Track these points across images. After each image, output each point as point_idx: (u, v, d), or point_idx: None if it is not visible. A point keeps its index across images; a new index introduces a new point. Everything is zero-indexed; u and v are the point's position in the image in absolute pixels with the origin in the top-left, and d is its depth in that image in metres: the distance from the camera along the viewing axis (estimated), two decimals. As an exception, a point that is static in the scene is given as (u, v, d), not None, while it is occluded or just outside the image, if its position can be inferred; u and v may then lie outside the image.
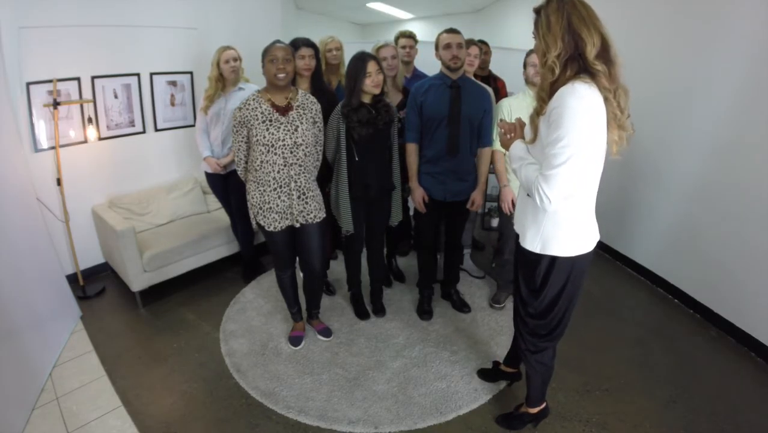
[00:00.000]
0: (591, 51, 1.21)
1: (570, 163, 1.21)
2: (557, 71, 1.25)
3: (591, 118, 1.21)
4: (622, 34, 3.37)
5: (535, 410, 1.84)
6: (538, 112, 1.33)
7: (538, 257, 1.43)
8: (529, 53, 2.25)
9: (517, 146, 1.44)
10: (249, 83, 2.77)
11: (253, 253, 3.13)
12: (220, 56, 2.64)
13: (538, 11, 1.28)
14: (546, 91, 1.29)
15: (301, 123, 1.99)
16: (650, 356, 2.35)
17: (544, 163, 1.26)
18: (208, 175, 2.88)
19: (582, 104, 1.20)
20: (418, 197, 2.34)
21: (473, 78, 2.49)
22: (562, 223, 1.37)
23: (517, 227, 1.53)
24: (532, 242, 1.43)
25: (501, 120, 1.58)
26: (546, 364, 1.69)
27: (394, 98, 2.52)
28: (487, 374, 2.16)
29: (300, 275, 2.40)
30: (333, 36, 2.74)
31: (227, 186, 2.84)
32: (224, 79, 2.67)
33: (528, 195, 1.40)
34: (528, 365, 1.71)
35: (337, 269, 3.07)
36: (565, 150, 1.20)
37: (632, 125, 1.31)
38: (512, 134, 1.50)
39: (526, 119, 1.52)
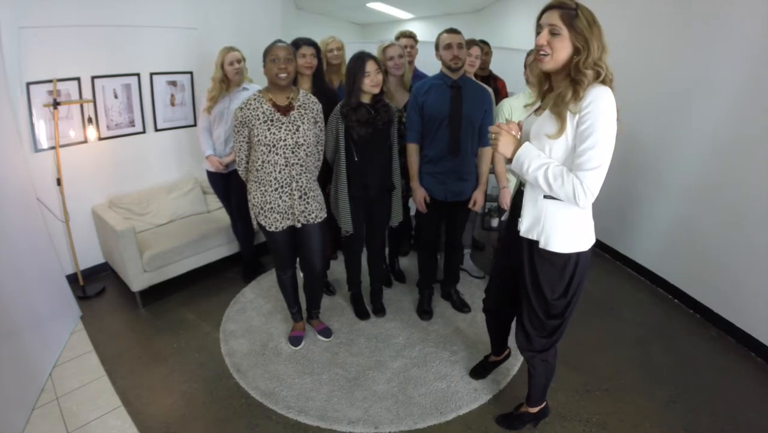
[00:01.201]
0: (606, 59, 1.27)
1: (608, 160, 1.27)
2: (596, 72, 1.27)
3: (615, 119, 1.27)
4: (623, 34, 3.40)
5: (535, 410, 1.84)
6: (567, 105, 1.28)
7: (566, 258, 1.41)
8: (530, 53, 2.24)
9: (531, 149, 1.34)
10: (253, 84, 2.78)
11: (254, 253, 3.13)
12: (223, 58, 2.64)
13: (574, 8, 1.26)
14: (583, 87, 1.26)
15: (303, 123, 1.99)
16: (650, 356, 2.35)
17: (583, 161, 1.25)
18: (210, 174, 2.88)
19: (613, 107, 1.25)
20: (419, 198, 2.34)
21: (474, 78, 2.50)
22: (584, 217, 1.40)
23: (530, 234, 1.44)
24: (563, 244, 1.39)
25: (499, 124, 1.45)
26: (550, 362, 1.69)
27: (402, 98, 2.52)
28: (479, 372, 2.16)
29: (300, 275, 2.40)
30: (334, 36, 2.74)
31: (228, 185, 2.84)
32: (228, 80, 2.68)
33: (548, 197, 1.37)
34: (531, 366, 1.70)
35: (337, 269, 3.07)
36: (605, 149, 1.24)
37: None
38: (517, 134, 1.41)
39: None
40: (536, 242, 1.42)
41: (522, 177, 1.42)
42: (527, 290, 1.51)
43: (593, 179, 1.25)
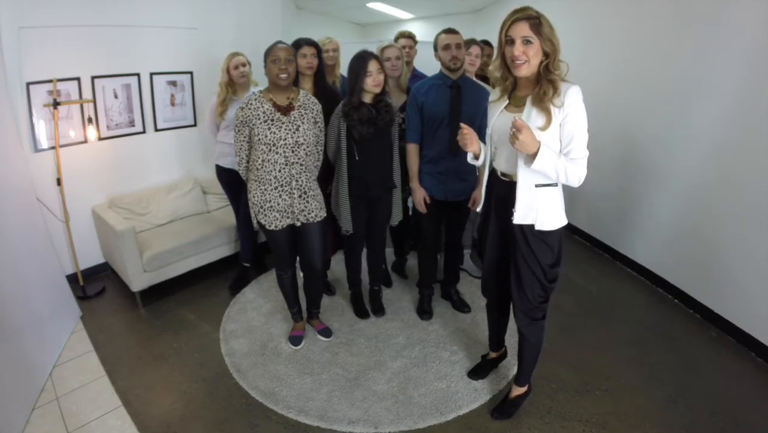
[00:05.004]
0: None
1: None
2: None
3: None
4: (623, 33, 3.39)
5: (525, 389, 1.94)
6: (551, 101, 1.44)
7: (556, 233, 1.60)
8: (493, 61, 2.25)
9: (548, 153, 1.45)
10: (258, 87, 2.78)
11: (254, 256, 3.07)
12: (229, 62, 2.66)
13: (537, 17, 1.41)
14: (558, 84, 1.44)
15: (303, 123, 2.00)
16: (650, 356, 2.35)
17: (576, 150, 1.46)
18: (220, 170, 2.86)
19: (582, 102, 1.46)
20: (419, 198, 2.34)
21: (474, 78, 2.49)
22: (560, 198, 1.61)
23: (525, 220, 1.57)
24: (552, 222, 1.57)
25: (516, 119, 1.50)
26: (542, 334, 1.79)
27: (398, 99, 2.52)
28: (478, 372, 2.17)
29: (300, 274, 2.40)
30: (331, 37, 2.75)
31: (238, 182, 2.81)
32: (234, 84, 2.70)
33: (540, 186, 1.53)
34: (531, 335, 1.78)
35: (337, 268, 3.07)
36: (586, 138, 1.48)
37: None
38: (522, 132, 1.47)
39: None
40: (530, 226, 1.57)
41: (542, 174, 1.51)
42: (529, 268, 1.64)
43: (585, 162, 1.50)
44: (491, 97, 1.69)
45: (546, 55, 1.43)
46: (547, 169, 1.46)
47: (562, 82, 1.44)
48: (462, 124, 1.65)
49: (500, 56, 1.50)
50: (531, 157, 1.44)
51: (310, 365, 2.25)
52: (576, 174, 1.48)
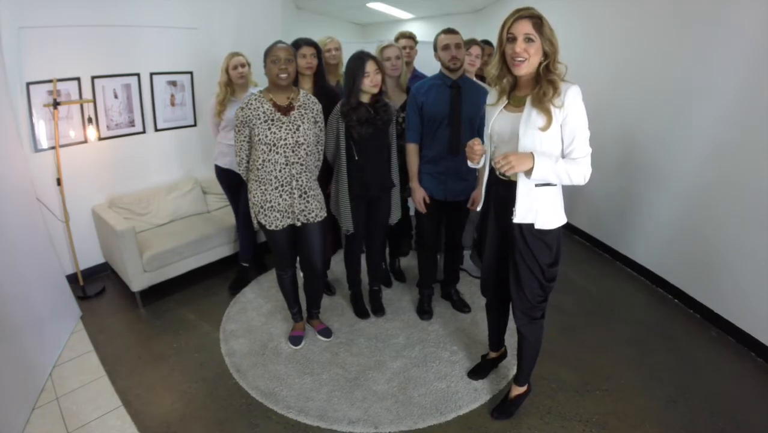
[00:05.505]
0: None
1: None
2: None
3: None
4: (623, 33, 3.39)
5: (525, 389, 1.94)
6: (550, 101, 1.44)
7: (554, 232, 1.60)
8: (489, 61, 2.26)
9: (544, 162, 1.45)
10: (258, 88, 2.78)
11: (254, 256, 3.08)
12: (228, 62, 2.66)
13: (539, 16, 1.43)
14: (558, 84, 1.44)
15: (303, 123, 2.00)
16: (650, 356, 2.35)
17: (578, 149, 1.47)
18: (220, 170, 2.86)
19: (582, 101, 1.48)
20: (419, 198, 2.34)
21: (474, 78, 2.49)
22: (560, 198, 1.61)
23: (525, 219, 1.57)
24: (551, 222, 1.58)
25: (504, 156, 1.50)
26: (541, 333, 1.80)
27: (398, 99, 2.52)
28: (478, 372, 2.17)
29: (300, 274, 2.40)
30: (332, 36, 2.75)
31: (240, 182, 2.81)
32: (233, 84, 2.70)
33: (540, 186, 1.53)
34: (530, 334, 1.78)
35: (337, 268, 3.07)
36: (588, 136, 1.49)
37: None
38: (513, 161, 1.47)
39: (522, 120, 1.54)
40: (528, 226, 1.58)
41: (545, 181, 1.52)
42: (527, 267, 1.64)
43: (589, 160, 1.51)
44: (489, 100, 1.69)
45: (545, 55, 1.44)
46: (547, 177, 1.47)
47: (561, 82, 1.45)
48: (476, 139, 1.63)
49: (499, 54, 1.50)
50: (529, 171, 1.45)
51: (310, 365, 2.25)
52: (580, 173, 1.49)
